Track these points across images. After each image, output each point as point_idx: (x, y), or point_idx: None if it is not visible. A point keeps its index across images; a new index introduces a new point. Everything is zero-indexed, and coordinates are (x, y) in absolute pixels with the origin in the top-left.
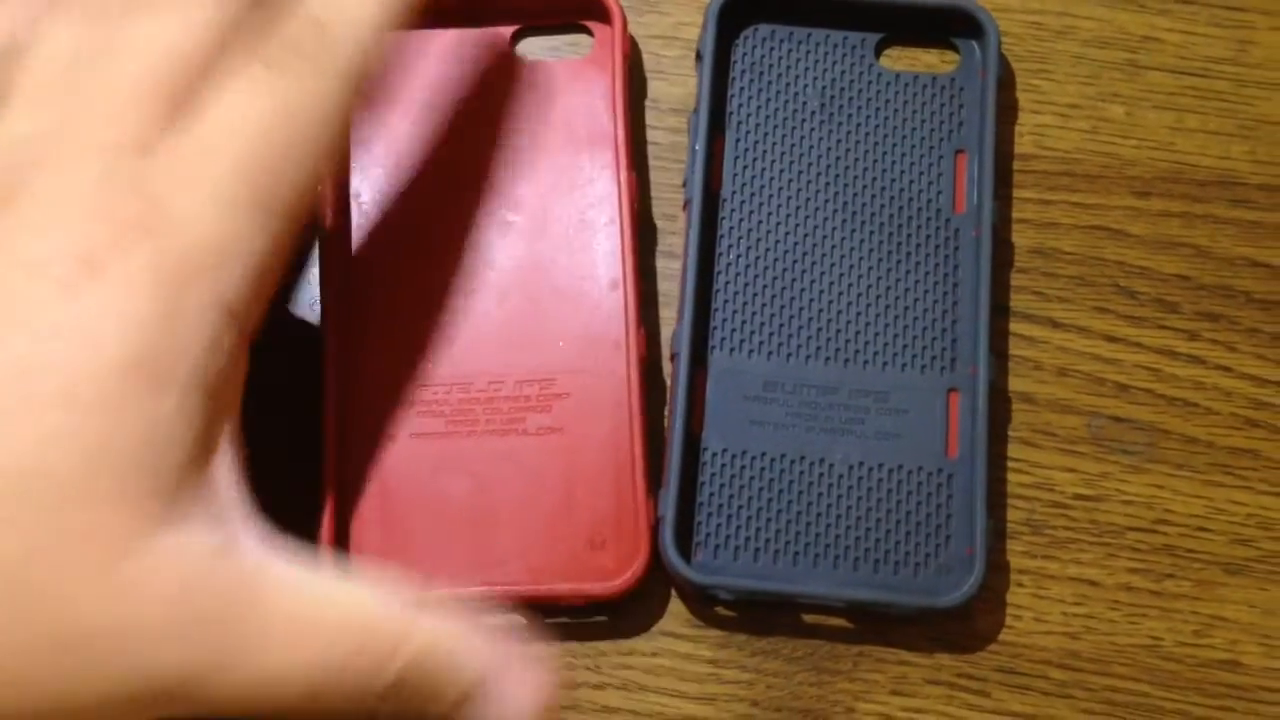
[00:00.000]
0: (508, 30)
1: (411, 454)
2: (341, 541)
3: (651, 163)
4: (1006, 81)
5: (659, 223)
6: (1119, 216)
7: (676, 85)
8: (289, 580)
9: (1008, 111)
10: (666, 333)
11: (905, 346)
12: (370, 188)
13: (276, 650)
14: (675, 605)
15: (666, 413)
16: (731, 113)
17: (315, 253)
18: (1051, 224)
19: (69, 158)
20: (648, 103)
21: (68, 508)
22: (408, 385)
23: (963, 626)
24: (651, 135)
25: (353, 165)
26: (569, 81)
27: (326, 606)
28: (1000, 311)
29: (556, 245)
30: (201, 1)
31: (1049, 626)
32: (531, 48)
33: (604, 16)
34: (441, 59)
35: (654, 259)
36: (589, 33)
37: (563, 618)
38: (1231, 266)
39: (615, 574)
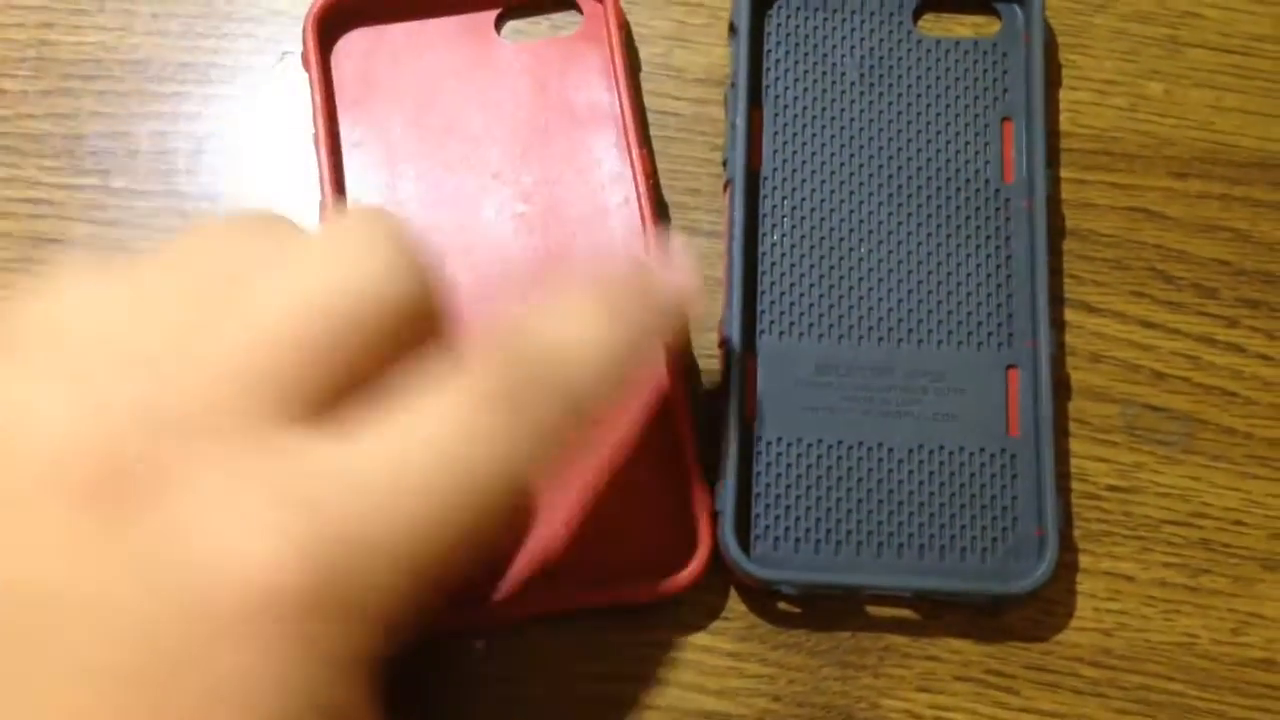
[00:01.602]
0: (490, 14)
1: None
2: None
3: (675, 135)
4: (1049, 46)
5: (684, 198)
6: (1156, 198)
7: (700, 54)
8: None
9: (1051, 77)
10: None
11: (960, 323)
12: (369, 194)
13: None
14: (692, 595)
15: (719, 399)
16: (768, 86)
17: None
18: (1087, 204)
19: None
20: (672, 73)
21: None
22: None
23: (992, 622)
24: (675, 106)
25: (346, 171)
26: (561, 61)
27: None
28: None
29: (572, 232)
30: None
31: (1081, 622)
32: (517, 31)
33: None
34: (426, 51)
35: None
36: (577, 9)
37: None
38: (1272, 251)
39: (674, 572)
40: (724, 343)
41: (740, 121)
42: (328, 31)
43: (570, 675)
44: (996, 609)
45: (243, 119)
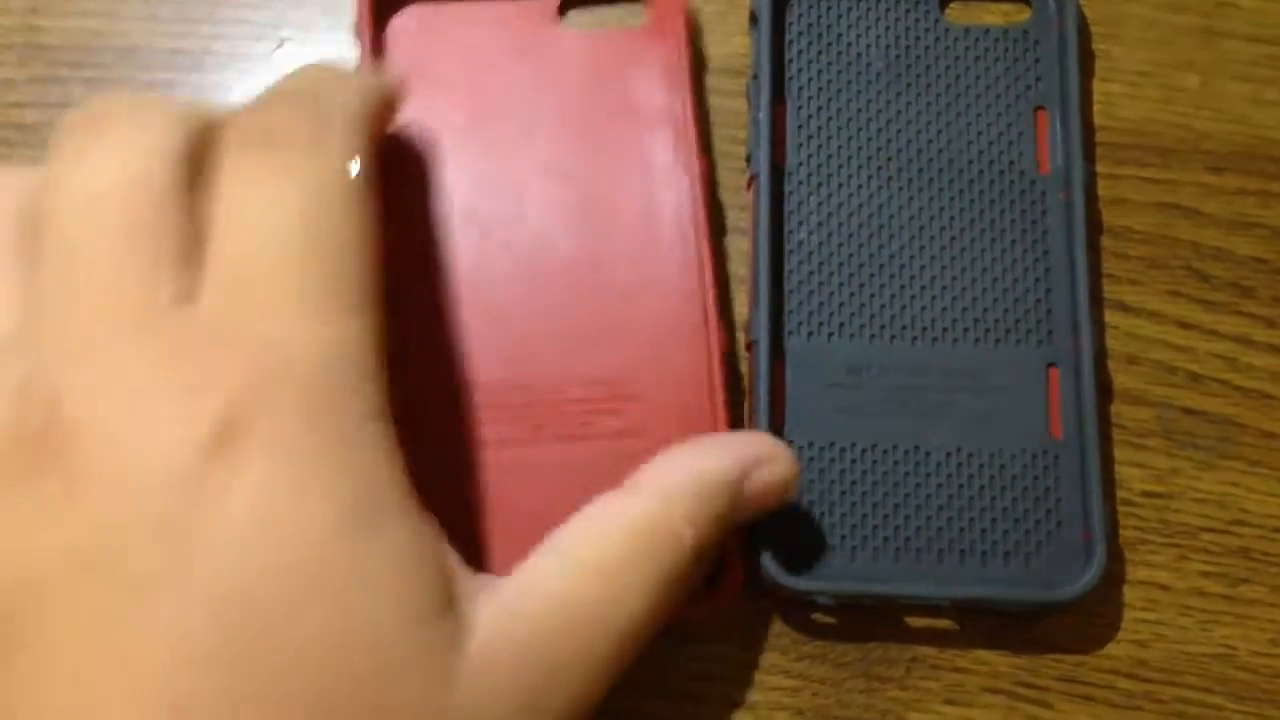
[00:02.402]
0: (554, 1)
1: (471, 464)
2: None
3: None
4: (1082, 33)
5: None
6: (1192, 194)
7: (718, 44)
8: (550, 569)
9: (1084, 66)
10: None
11: (997, 320)
12: (413, 174)
13: (603, 614)
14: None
15: (746, 407)
16: (791, 78)
17: None
18: (1120, 200)
19: (107, 346)
20: None
21: (388, 682)
22: (460, 391)
23: (1023, 633)
24: None
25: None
26: (625, 55)
27: (594, 550)
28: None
29: (620, 233)
30: (133, 119)
31: (1116, 633)
32: (580, 19)
33: None
34: (484, 35)
35: (723, 241)
36: (644, 1)
37: None
38: None
39: (705, 592)
40: (752, 345)
41: (763, 116)
42: (383, 4)
43: None
44: (1038, 617)
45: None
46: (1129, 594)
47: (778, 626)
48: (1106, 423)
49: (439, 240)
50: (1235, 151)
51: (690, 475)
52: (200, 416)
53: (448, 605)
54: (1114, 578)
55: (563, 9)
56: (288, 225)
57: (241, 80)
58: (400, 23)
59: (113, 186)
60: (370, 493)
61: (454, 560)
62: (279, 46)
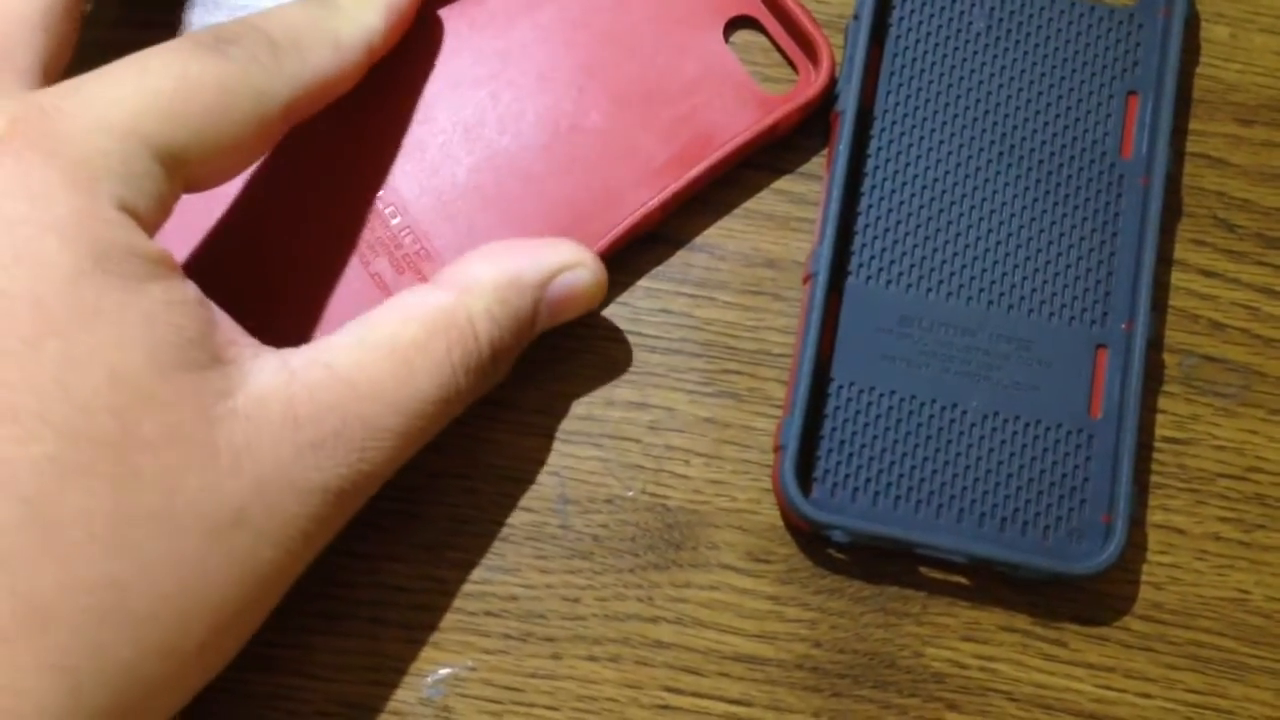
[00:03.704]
0: None
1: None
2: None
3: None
4: (1190, 20)
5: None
6: (1220, 144)
7: None
8: (346, 345)
9: (1190, 55)
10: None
11: (1054, 295)
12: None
13: (391, 392)
14: (732, 535)
15: (796, 339)
16: (891, 25)
17: None
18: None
19: None
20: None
21: (142, 418)
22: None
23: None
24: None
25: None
26: (736, 96)
27: (389, 334)
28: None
29: (571, 170)
30: None
31: (1131, 575)
32: None
33: None
34: None
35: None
36: None
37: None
38: None
39: None
40: (809, 278)
41: (859, 56)
42: None
43: (606, 615)
44: (1047, 586)
45: None
46: (1146, 537)
47: (796, 560)
48: (1149, 411)
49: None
50: (1264, 104)
51: (493, 273)
52: None
53: (215, 359)
54: (1133, 520)
55: None
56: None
57: None
58: None
59: None
60: (119, 248)
61: (230, 326)
62: None
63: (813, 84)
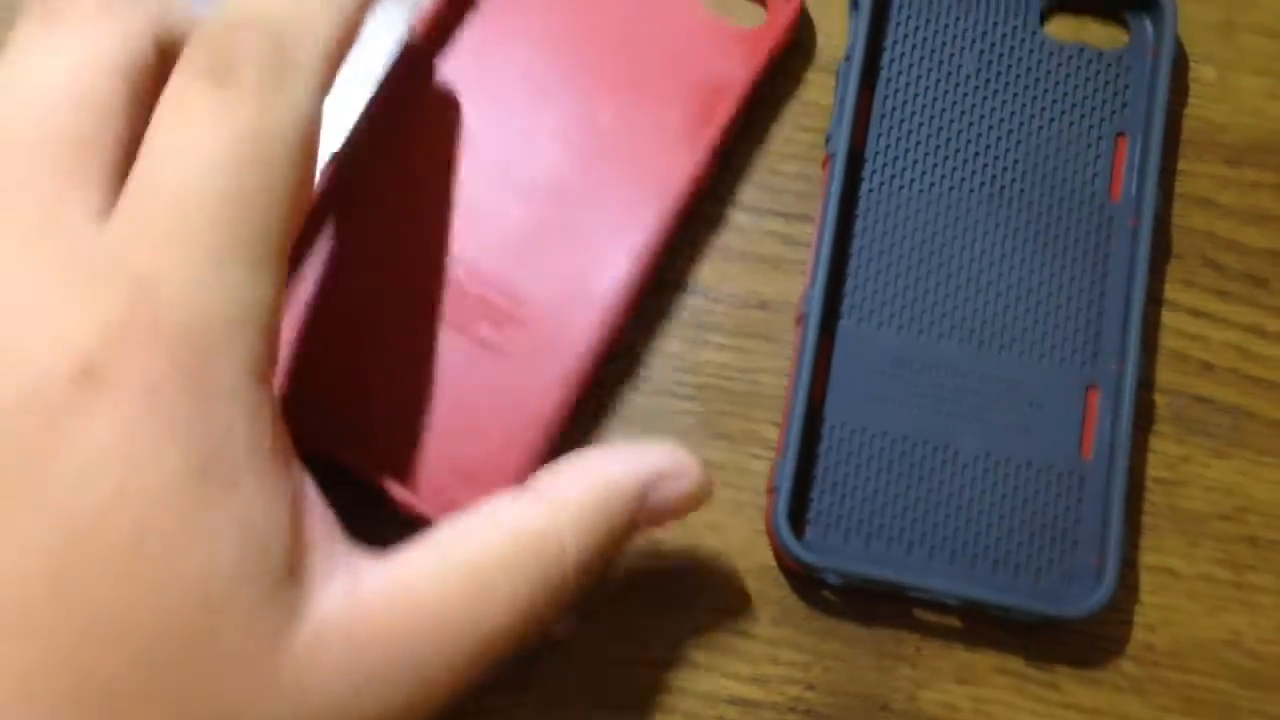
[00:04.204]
0: None
1: (373, 329)
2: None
3: (779, 114)
4: (1178, 62)
5: (778, 179)
6: (1208, 185)
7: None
8: (424, 563)
9: (1178, 96)
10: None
11: (1045, 335)
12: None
13: (465, 618)
14: (726, 577)
15: (788, 381)
16: (883, 68)
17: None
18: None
19: (3, 252)
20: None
21: (216, 641)
22: (401, 266)
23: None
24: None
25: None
26: (708, 41)
27: (472, 552)
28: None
29: (606, 178)
30: (93, 22)
31: (1124, 617)
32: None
33: None
34: None
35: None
36: (763, 4)
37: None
38: None
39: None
40: (802, 319)
41: (850, 98)
42: None
43: (601, 659)
44: (1040, 629)
45: None
46: (1139, 579)
47: (790, 602)
48: (1140, 452)
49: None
50: (1252, 145)
51: (588, 486)
52: (74, 343)
53: (291, 577)
54: (1125, 562)
55: None
56: (209, 170)
57: None
58: None
59: (52, 92)
60: (226, 451)
61: (317, 533)
62: None
63: (789, 4)
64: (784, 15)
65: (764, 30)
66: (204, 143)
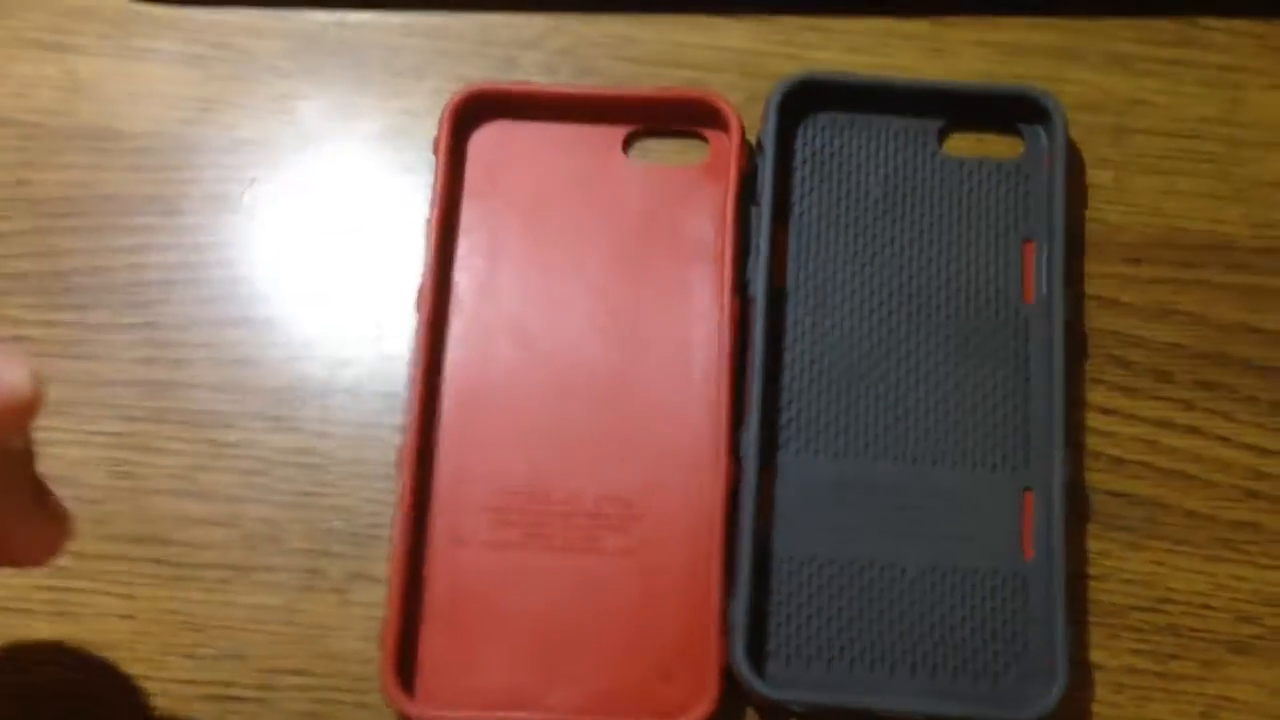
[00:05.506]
0: (621, 131)
1: (483, 562)
2: (407, 644)
3: None
4: (1075, 167)
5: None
6: (1111, 284)
7: None
8: None
9: (1075, 199)
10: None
11: (976, 444)
12: (469, 277)
13: None
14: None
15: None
16: (794, 204)
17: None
18: None
19: None
20: None
21: None
22: (485, 489)
23: None
24: None
25: (456, 253)
26: (680, 189)
27: None
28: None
29: (651, 358)
30: None
31: (1072, 713)
32: (645, 150)
33: (721, 124)
34: (552, 155)
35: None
36: (704, 139)
37: None
38: (1225, 333)
39: (683, 710)
40: (740, 459)
41: (764, 240)
42: (463, 122)
43: None
44: None
45: (212, 247)
46: (1082, 676)
47: None
48: (1079, 548)
49: (490, 347)
50: (1150, 242)
51: None
52: None
53: None
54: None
55: (629, 141)
56: None
57: (216, 220)
58: (477, 139)
59: None
60: None
61: None
62: (249, 185)
63: (731, 127)
64: (733, 132)
65: (719, 156)
66: None
